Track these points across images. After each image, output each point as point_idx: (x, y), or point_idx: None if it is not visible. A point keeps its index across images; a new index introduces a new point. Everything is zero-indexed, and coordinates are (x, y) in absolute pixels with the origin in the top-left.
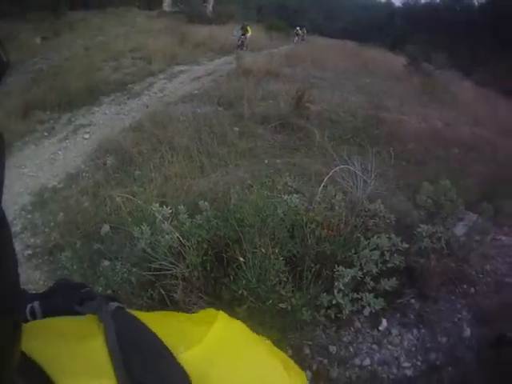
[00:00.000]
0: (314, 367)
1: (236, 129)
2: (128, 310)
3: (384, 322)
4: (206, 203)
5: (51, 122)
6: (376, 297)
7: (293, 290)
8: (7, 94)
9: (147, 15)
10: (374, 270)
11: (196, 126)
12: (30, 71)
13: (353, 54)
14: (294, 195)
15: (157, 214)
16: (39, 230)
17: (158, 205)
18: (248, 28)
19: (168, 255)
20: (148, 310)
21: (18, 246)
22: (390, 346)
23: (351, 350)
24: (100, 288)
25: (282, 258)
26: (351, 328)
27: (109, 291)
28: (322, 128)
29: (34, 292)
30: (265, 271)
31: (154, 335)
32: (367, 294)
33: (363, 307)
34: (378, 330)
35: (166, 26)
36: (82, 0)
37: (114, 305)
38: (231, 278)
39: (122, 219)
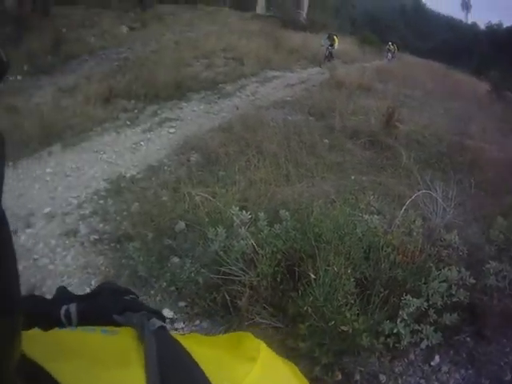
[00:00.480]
0: None
1: (326, 141)
2: (169, 332)
3: (437, 358)
4: (287, 213)
5: (135, 111)
6: (435, 331)
7: (358, 314)
8: (86, 78)
9: (240, 16)
10: (439, 303)
11: (285, 134)
12: (114, 59)
13: (441, 74)
14: (375, 216)
15: (235, 218)
16: (110, 216)
17: (237, 208)
18: (335, 38)
19: (240, 261)
20: (210, 314)
21: (84, 229)
22: (436, 383)
23: (399, 381)
24: (164, 283)
25: (353, 280)
26: (405, 359)
27: (172, 288)
28: (408, 149)
29: (75, 294)
30: (334, 291)
31: (197, 366)
32: (428, 326)
33: (421, 340)
34: (430, 365)
35: (260, 29)
36: None
37: (156, 323)
38: (299, 292)
39: (198, 218)
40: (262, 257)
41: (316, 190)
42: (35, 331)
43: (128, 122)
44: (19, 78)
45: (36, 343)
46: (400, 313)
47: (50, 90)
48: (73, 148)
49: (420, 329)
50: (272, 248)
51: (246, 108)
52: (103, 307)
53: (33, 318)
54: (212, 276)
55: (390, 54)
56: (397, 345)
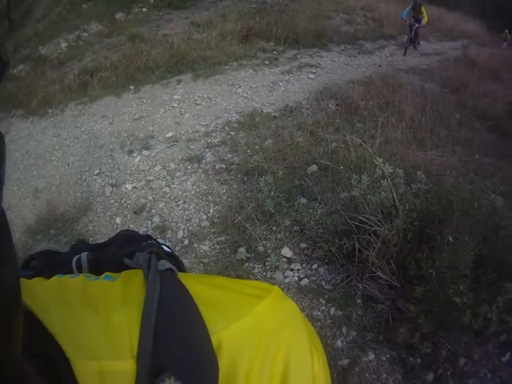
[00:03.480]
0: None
1: (457, 115)
2: (178, 274)
3: (508, 355)
4: (422, 175)
5: (274, 52)
6: None
7: (469, 289)
8: (222, 17)
9: None
10: None
11: (422, 100)
12: (251, 1)
13: None
14: (499, 197)
15: (377, 170)
16: (240, 148)
17: (381, 160)
18: (424, 10)
19: (378, 212)
20: (330, 260)
21: (210, 157)
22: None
23: (473, 369)
24: (288, 221)
25: (472, 254)
26: (484, 348)
27: (296, 228)
28: None
29: (92, 243)
30: (455, 260)
31: (196, 309)
32: None
33: (503, 332)
34: (500, 361)
35: None
36: None
37: (165, 264)
38: (424, 254)
39: (333, 162)
40: (401, 212)
41: (445, 160)
42: (36, 279)
43: (266, 62)
44: (144, 10)
45: (35, 291)
46: (498, 298)
47: (181, 23)
48: (205, 79)
49: (509, 320)
50: (410, 205)
51: (385, 67)
52: (115, 254)
53: (49, 269)
54: (348, 222)
55: (505, 43)
56: (484, 331)
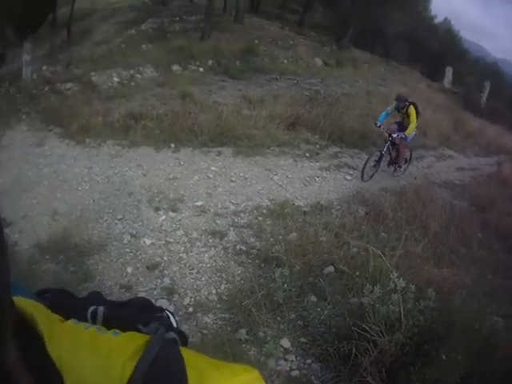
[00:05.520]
0: None
1: (479, 235)
2: (181, 348)
3: None
4: (433, 292)
5: (317, 146)
6: None
7: None
8: (274, 98)
9: (428, 84)
10: None
11: (449, 217)
12: (305, 88)
13: None
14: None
15: (391, 283)
16: (264, 235)
17: (396, 274)
18: (412, 112)
19: (381, 323)
20: (325, 359)
21: (233, 236)
22: None
23: None
24: (294, 315)
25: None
26: None
27: (300, 322)
28: None
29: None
30: (445, 375)
31: (185, 379)
32: None
33: None
34: None
35: (445, 104)
36: (368, 43)
37: (172, 335)
38: (416, 368)
39: (350, 267)
40: (404, 326)
41: (458, 279)
42: (57, 317)
43: (307, 154)
44: (201, 69)
45: (53, 324)
46: None
47: (233, 94)
48: (245, 157)
49: None
50: (414, 321)
51: (419, 179)
52: (130, 316)
53: (63, 308)
54: (351, 327)
55: None
56: None
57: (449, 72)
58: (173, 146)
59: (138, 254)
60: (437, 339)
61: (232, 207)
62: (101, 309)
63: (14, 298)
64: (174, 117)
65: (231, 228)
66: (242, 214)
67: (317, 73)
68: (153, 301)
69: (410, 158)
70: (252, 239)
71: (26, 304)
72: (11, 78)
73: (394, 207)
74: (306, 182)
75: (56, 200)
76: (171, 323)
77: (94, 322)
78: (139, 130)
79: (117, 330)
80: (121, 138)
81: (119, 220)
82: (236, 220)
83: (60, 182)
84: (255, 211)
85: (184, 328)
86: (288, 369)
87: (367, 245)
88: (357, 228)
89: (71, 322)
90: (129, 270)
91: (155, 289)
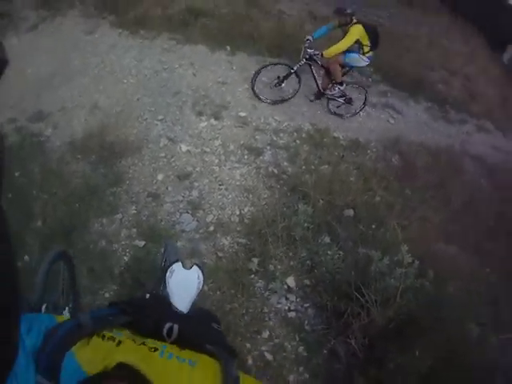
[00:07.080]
0: None
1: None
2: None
3: None
4: (432, 274)
5: (370, 80)
6: None
7: None
8: None
9: (489, 54)
10: None
11: (473, 194)
12: (372, 19)
13: None
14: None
15: (399, 255)
16: (298, 161)
17: (406, 248)
18: (352, 32)
19: (379, 294)
20: (321, 308)
21: (269, 157)
22: None
23: None
24: (305, 253)
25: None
26: None
27: (308, 262)
28: None
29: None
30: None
31: None
32: None
33: None
34: None
35: (499, 78)
36: None
37: (235, 370)
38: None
39: (369, 216)
40: (397, 305)
41: (458, 264)
42: (145, 350)
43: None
44: None
45: (153, 373)
46: None
47: (300, 7)
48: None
49: None
50: (407, 302)
51: (457, 145)
52: (199, 334)
53: (140, 325)
54: (352, 285)
55: None
56: None
57: (510, 49)
58: (228, 48)
59: (171, 160)
60: (419, 329)
61: (274, 124)
62: (176, 327)
63: (117, 349)
64: (235, 19)
65: (268, 147)
66: (282, 134)
67: (384, 6)
68: (177, 215)
69: (365, 100)
70: (286, 163)
71: (125, 353)
72: None
73: (426, 168)
74: None
75: (98, 92)
76: (223, 335)
77: (169, 338)
78: (198, 27)
79: (192, 359)
80: (177, 33)
81: (159, 120)
82: (275, 138)
83: (106, 73)
84: (295, 133)
85: (202, 247)
86: (286, 308)
87: (389, 198)
88: (386, 177)
89: (148, 350)
90: (159, 177)
91: (182, 201)
